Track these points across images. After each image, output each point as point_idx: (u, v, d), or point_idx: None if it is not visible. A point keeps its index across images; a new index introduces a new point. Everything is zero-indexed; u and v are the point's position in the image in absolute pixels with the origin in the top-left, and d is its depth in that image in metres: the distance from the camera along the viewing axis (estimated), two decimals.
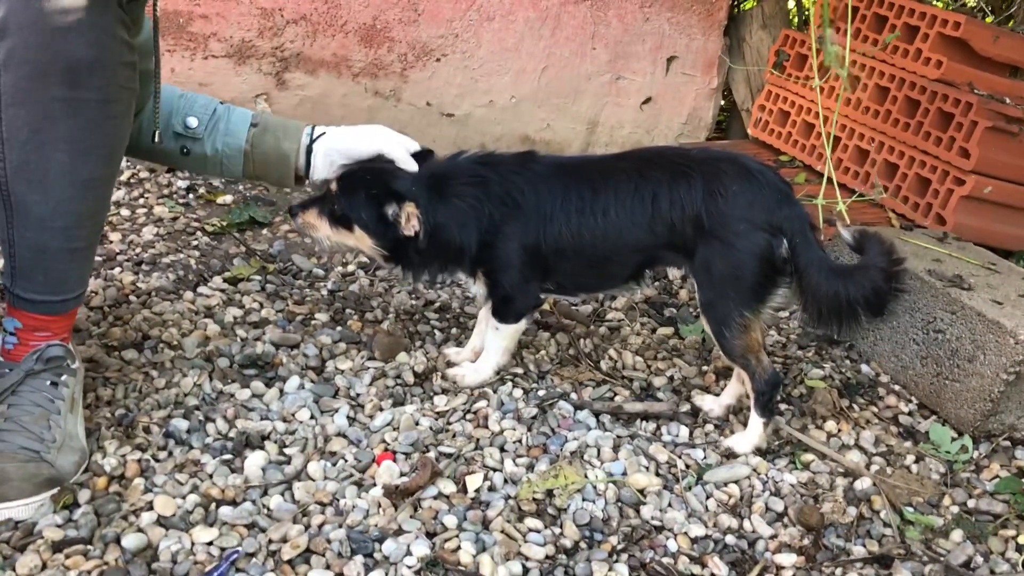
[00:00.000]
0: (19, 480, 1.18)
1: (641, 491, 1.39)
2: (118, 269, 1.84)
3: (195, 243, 2.01)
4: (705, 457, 1.50)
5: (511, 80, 2.55)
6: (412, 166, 1.49)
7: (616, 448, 1.49)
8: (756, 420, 1.50)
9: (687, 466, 1.47)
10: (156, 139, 1.40)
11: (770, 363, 1.50)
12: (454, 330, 1.79)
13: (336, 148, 1.52)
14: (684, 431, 1.56)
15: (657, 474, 1.44)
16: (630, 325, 1.89)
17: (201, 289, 1.82)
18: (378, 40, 2.44)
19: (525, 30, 2.50)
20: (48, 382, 1.25)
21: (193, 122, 1.46)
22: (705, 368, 1.75)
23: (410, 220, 1.44)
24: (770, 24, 2.66)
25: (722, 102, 2.79)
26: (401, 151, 1.50)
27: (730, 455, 1.50)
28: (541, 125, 2.63)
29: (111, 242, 1.93)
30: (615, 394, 1.64)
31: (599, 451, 1.47)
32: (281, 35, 2.37)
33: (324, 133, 1.54)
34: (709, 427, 1.58)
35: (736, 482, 1.44)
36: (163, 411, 1.44)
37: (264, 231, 2.13)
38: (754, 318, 1.45)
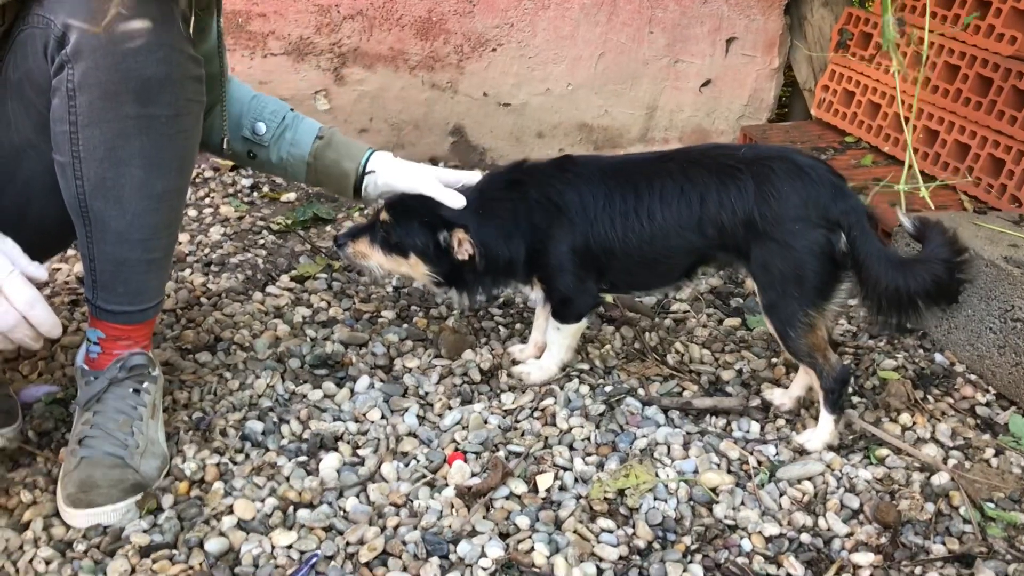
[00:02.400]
0: (106, 486, 1.21)
1: (713, 489, 1.38)
2: (188, 271, 1.88)
3: (261, 242, 2.05)
4: (777, 453, 1.48)
5: (567, 67, 2.53)
6: (456, 202, 1.47)
7: (686, 445, 1.48)
8: (827, 417, 1.48)
9: (759, 463, 1.46)
10: (225, 146, 1.42)
11: (838, 359, 1.47)
12: (518, 325, 1.79)
13: (385, 183, 1.53)
14: (755, 426, 1.54)
15: (729, 471, 1.43)
16: (696, 317, 1.87)
17: (269, 289, 1.85)
18: (434, 32, 2.44)
19: (581, 17, 2.47)
20: (131, 389, 1.28)
21: (261, 128, 1.48)
22: (775, 360, 1.72)
23: (462, 245, 1.45)
24: (832, 2, 2.59)
25: (784, 82, 2.73)
26: (443, 192, 1.48)
27: (803, 451, 1.49)
28: (599, 112, 2.61)
29: (180, 243, 1.97)
30: (683, 389, 1.63)
31: (669, 448, 1.47)
32: (338, 31, 2.39)
33: (374, 170, 1.54)
34: (780, 422, 1.56)
35: (810, 479, 1.43)
36: (238, 413, 1.47)
37: (328, 228, 2.16)
38: (819, 316, 1.43)
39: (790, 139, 2.49)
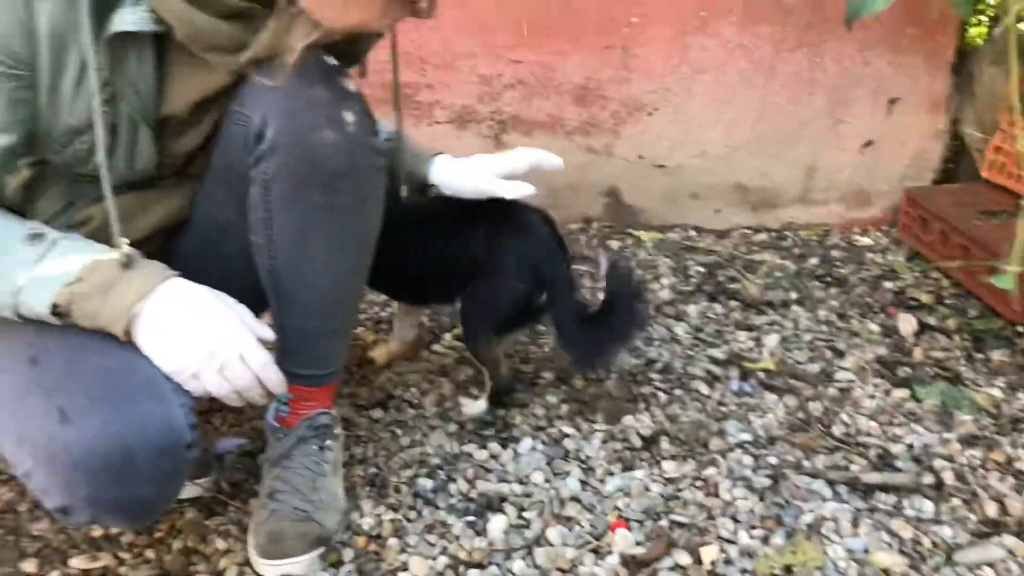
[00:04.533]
0: (294, 539, 1.30)
1: (885, 571, 1.34)
2: (361, 328, 1.99)
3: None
4: (954, 536, 1.42)
5: (724, 130, 2.54)
6: (515, 192, 1.51)
7: (855, 522, 1.44)
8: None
9: (934, 544, 1.41)
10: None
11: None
12: (678, 391, 1.80)
13: (447, 184, 1.55)
14: (928, 505, 1.49)
15: (902, 552, 1.39)
16: (862, 387, 1.82)
17: (435, 347, 1.93)
18: (591, 99, 2.50)
19: (738, 81, 2.48)
20: (316, 447, 1.37)
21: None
22: (947, 435, 1.66)
23: None
24: (1002, 60, 2.50)
25: (950, 142, 2.64)
26: (506, 187, 1.52)
27: (981, 534, 1.42)
28: (755, 173, 2.60)
29: None
30: (850, 462, 1.59)
31: (837, 525, 1.44)
32: (499, 99, 2.48)
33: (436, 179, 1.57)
34: (956, 501, 1.50)
35: (990, 564, 1.36)
36: (409, 470, 1.54)
37: None
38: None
39: (958, 201, 2.41)
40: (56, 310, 1.06)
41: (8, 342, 1.13)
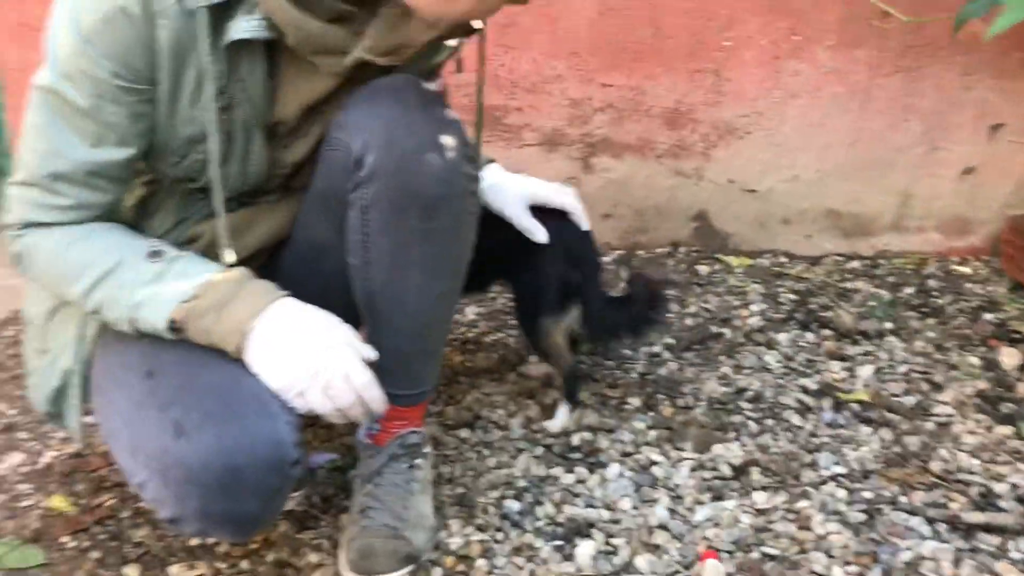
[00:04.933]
0: (384, 555, 1.32)
1: None
2: (448, 349, 2.01)
3: (512, 322, 2.15)
4: None
5: (816, 155, 2.50)
6: (540, 237, 1.56)
7: (957, 562, 1.39)
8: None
9: None
10: None
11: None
12: (769, 421, 1.77)
13: (506, 192, 1.56)
14: None
15: None
16: (962, 422, 1.76)
17: (521, 369, 1.93)
18: (681, 122, 2.49)
19: (832, 106, 2.44)
20: (406, 465, 1.39)
21: None
22: None
23: None
24: None
25: None
26: (562, 196, 1.57)
27: None
28: (848, 198, 2.55)
29: None
30: (949, 500, 1.54)
31: (937, 565, 1.39)
32: (589, 123, 2.49)
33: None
34: None
35: None
36: (496, 492, 1.55)
37: None
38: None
39: None
40: (173, 326, 1.10)
41: (125, 355, 1.18)
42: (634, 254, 2.56)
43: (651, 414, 1.78)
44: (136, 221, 1.25)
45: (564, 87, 2.46)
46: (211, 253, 1.23)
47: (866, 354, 2.03)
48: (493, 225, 1.58)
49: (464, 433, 1.71)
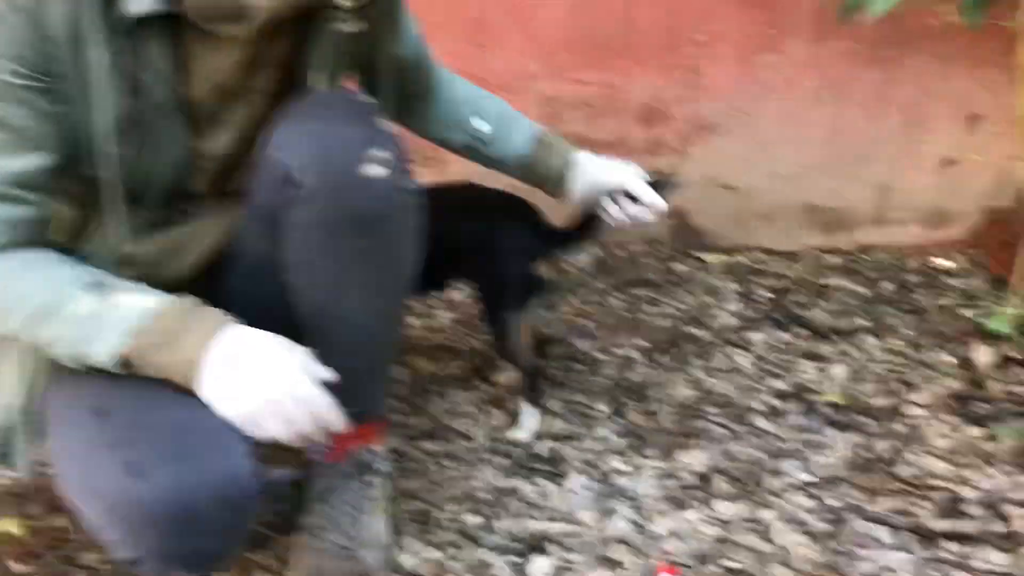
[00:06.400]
0: (334, 575, 1.30)
1: None
2: (418, 356, 1.99)
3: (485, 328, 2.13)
4: None
5: (794, 150, 2.47)
6: (658, 200, 1.58)
7: (918, 573, 1.37)
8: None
9: None
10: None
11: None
12: (736, 426, 1.74)
13: (592, 180, 1.60)
14: (998, 556, 1.41)
15: None
16: (934, 424, 1.74)
17: (493, 377, 1.92)
18: (656, 119, 2.46)
19: (809, 99, 2.41)
20: (359, 484, 1.38)
21: (484, 127, 1.59)
22: (1023, 479, 1.57)
23: None
24: None
25: None
26: (643, 186, 1.58)
27: None
28: (827, 193, 2.51)
29: (414, 327, 2.09)
30: (916, 507, 1.52)
31: (896, 575, 1.37)
32: (563, 120, 2.46)
33: (577, 165, 1.61)
34: None
35: None
36: (456, 505, 1.53)
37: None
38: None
39: None
40: (120, 361, 1.07)
41: (72, 392, 1.14)
42: (611, 253, 2.53)
43: (619, 420, 1.76)
44: (71, 246, 1.22)
45: (538, 85, 2.43)
46: (153, 275, 1.20)
47: (841, 353, 2.00)
48: (448, 222, 1.56)
49: (428, 444, 1.69)
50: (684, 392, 1.86)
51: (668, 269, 2.43)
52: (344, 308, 1.26)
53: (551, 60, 2.41)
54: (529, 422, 1.71)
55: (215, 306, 1.14)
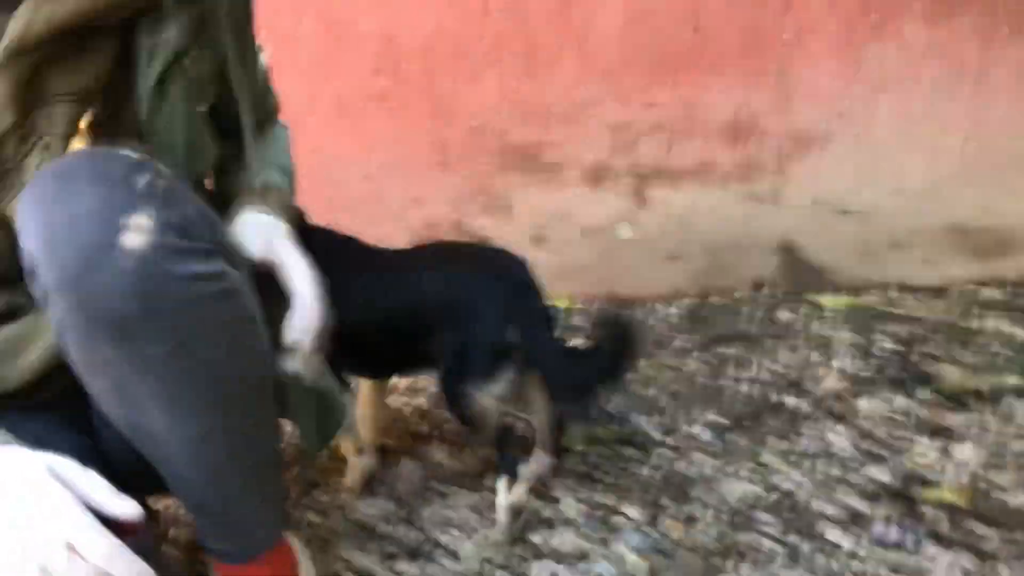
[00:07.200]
0: None
1: None
2: (432, 447, 1.71)
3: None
4: None
5: (923, 157, 1.97)
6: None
7: None
8: None
9: None
10: None
11: None
12: (793, 538, 1.31)
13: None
14: None
15: None
16: None
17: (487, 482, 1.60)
18: (745, 136, 2.05)
19: (934, 92, 1.91)
20: None
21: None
22: None
23: None
24: None
25: None
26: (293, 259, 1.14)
27: None
28: (975, 210, 1.98)
29: (438, 408, 1.82)
30: None
31: None
32: (635, 150, 2.12)
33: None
34: None
35: None
36: None
37: None
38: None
39: None
40: None
41: None
42: (707, 301, 2.13)
43: (647, 532, 1.39)
44: None
45: (602, 112, 2.11)
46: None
47: (977, 427, 1.50)
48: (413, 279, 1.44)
49: (402, 566, 1.40)
50: (742, 489, 1.44)
51: (771, 319, 2.00)
52: (152, 432, 0.97)
53: (613, 81, 2.08)
54: (503, 497, 1.43)
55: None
